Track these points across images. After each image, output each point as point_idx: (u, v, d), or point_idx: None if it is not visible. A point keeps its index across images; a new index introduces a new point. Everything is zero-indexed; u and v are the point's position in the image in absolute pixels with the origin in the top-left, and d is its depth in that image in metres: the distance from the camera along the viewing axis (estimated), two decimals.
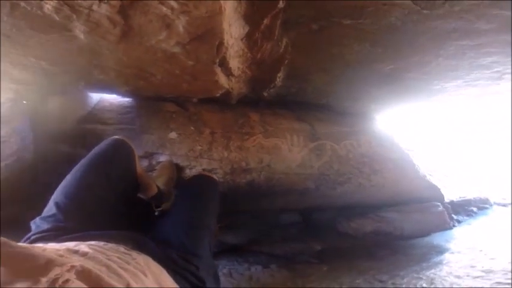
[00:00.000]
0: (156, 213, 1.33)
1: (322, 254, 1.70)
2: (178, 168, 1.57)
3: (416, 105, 1.98)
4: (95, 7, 0.81)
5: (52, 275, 0.39)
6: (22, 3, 0.78)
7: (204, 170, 1.59)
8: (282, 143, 1.70)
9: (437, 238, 1.78)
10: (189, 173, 1.58)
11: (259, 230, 1.96)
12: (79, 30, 0.90)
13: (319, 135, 1.78)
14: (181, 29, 0.95)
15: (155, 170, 1.52)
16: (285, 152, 1.68)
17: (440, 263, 1.47)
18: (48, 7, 0.80)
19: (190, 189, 1.17)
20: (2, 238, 0.43)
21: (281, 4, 0.97)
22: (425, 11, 0.97)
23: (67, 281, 0.40)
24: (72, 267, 0.42)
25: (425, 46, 1.17)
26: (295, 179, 1.68)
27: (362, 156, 1.79)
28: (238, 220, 1.92)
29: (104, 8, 0.82)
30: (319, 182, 1.70)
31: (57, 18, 0.84)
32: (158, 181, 1.36)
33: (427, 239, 1.78)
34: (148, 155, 1.55)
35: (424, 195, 1.91)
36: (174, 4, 0.84)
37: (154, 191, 1.24)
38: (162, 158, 1.56)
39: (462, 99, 1.82)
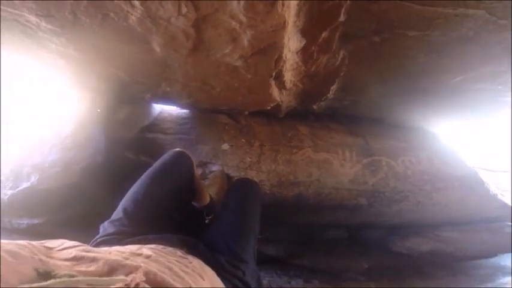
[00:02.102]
0: (207, 221, 1.38)
1: (370, 271, 1.62)
2: (229, 178, 1.61)
3: (484, 119, 1.82)
4: (173, 20, 0.88)
5: (127, 278, 0.41)
6: (111, 14, 0.86)
7: None
8: (333, 158, 1.65)
9: (504, 259, 1.63)
10: None
11: (301, 244, 1.91)
12: (156, 42, 0.99)
13: (374, 151, 1.70)
14: (246, 42, 0.99)
15: (207, 178, 1.57)
16: (336, 167, 1.63)
17: (507, 284, 1.32)
18: (133, 18, 0.87)
19: (234, 194, 1.16)
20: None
21: (341, 18, 0.96)
22: (502, 21, 0.91)
23: (138, 284, 0.41)
24: (146, 273, 0.44)
25: (501, 56, 1.09)
26: (346, 195, 1.61)
27: (422, 174, 1.66)
28: (280, 232, 1.90)
29: (181, 21, 0.88)
30: (372, 199, 1.61)
31: (139, 30, 0.92)
32: (210, 190, 1.41)
33: (492, 260, 1.62)
34: (202, 164, 1.61)
35: (493, 215, 1.73)
36: (243, 18, 0.88)
37: (207, 200, 1.30)
38: (215, 168, 1.61)
39: None
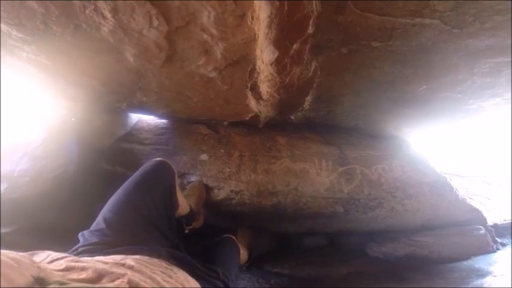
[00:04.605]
0: (186, 231, 1.36)
1: (349, 277, 1.64)
2: (207, 189, 1.61)
3: (452, 126, 1.91)
4: (145, 32, 0.90)
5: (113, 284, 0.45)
6: (83, 25, 0.88)
7: (231, 191, 1.60)
8: (309, 167, 1.68)
9: (478, 261, 1.66)
10: (217, 193, 1.60)
11: (281, 252, 1.94)
12: (129, 53, 1.00)
13: (349, 160, 1.75)
14: (218, 55, 1.02)
15: (185, 189, 1.56)
16: (313, 176, 1.66)
17: (481, 286, 1.36)
18: (105, 29, 0.89)
19: (219, 249, 1.25)
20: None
21: (310, 30, 1.00)
22: (455, 30, 0.97)
23: None
24: (129, 282, 0.47)
25: (458, 65, 1.15)
26: (323, 203, 1.63)
27: (395, 181, 1.72)
28: (261, 241, 1.93)
29: (153, 33, 0.90)
30: (348, 206, 1.65)
31: (112, 41, 0.94)
32: (188, 200, 1.40)
33: (466, 263, 1.66)
34: (180, 175, 1.60)
35: (464, 219, 1.80)
36: (214, 31, 0.91)
37: (187, 210, 1.29)
38: (193, 178, 1.60)
39: (502, 118, 1.74)
